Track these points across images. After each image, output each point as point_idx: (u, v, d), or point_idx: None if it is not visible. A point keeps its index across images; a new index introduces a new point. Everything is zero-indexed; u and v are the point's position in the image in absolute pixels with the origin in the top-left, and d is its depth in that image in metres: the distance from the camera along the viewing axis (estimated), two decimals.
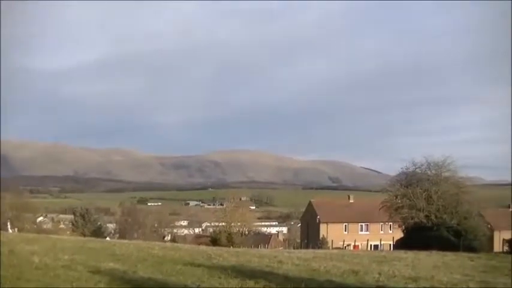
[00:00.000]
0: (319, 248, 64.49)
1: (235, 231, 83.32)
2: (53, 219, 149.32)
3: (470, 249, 43.12)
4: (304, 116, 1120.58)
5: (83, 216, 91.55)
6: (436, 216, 52.59)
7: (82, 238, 47.34)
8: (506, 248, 50.28)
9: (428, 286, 17.82)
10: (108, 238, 70.92)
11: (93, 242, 34.68)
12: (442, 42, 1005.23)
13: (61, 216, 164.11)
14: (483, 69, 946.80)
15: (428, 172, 57.44)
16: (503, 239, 55.71)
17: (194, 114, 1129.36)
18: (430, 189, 54.66)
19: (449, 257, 31.32)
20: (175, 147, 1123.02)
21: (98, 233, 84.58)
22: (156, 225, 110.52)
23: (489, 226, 63.28)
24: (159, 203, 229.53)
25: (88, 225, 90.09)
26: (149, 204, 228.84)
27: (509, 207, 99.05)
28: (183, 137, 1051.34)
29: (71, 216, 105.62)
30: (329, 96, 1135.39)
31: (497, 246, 64.36)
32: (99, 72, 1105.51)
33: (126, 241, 43.57)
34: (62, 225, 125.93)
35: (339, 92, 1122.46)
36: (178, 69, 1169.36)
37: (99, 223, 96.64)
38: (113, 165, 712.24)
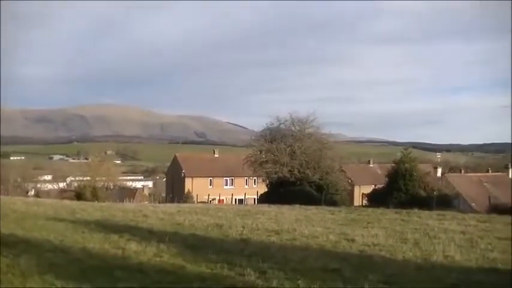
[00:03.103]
0: (184, 202, 64.62)
1: (100, 185, 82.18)
2: None
3: (332, 203, 44.22)
4: (171, 70, 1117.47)
5: None
6: (299, 171, 53.57)
7: None
8: (365, 202, 52.20)
9: (290, 238, 18.19)
10: None
11: None
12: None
13: None
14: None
15: (293, 128, 58.23)
16: (363, 193, 57.70)
17: (59, 68, 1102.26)
18: (293, 144, 55.50)
19: (311, 210, 32.02)
20: (40, 101, 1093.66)
21: None
22: (19, 180, 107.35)
23: (350, 181, 65.20)
24: (23, 157, 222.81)
25: None
26: (12, 158, 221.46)
27: (369, 163, 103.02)
28: (47, 91, 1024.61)
29: None
30: (195, 51, 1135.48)
31: (358, 201, 66.62)
32: None
33: None
34: None
35: (205, 48, 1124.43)
36: (42, 20, 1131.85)
37: None
38: None
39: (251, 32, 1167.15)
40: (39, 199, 45.54)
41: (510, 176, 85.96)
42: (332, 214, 29.47)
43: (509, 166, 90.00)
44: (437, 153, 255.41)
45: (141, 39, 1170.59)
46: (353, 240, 17.62)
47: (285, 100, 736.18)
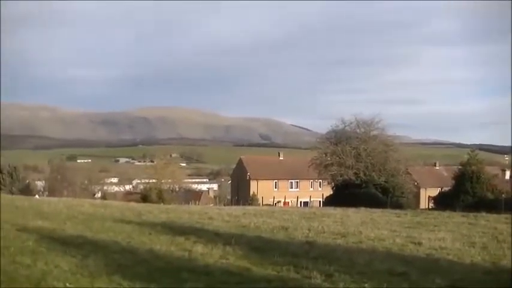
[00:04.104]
0: (249, 204, 64.89)
1: (165, 188, 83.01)
2: None
3: (398, 206, 43.96)
4: (236, 71, 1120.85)
5: (10, 174, 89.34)
6: (364, 174, 53.39)
7: (9, 196, 46.46)
8: (431, 205, 51.49)
9: (356, 241, 18.13)
10: (37, 196, 69.70)
11: (21, 200, 34.16)
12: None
13: None
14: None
15: (358, 130, 58.17)
16: (429, 196, 57.00)
17: (122, 70, 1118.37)
18: (359, 147, 55.41)
19: (376, 213, 31.83)
20: (104, 104, 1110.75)
21: (27, 191, 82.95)
22: (86, 182, 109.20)
23: (416, 183, 64.62)
24: (89, 160, 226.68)
25: (16, 183, 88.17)
26: (79, 161, 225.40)
27: (435, 165, 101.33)
28: (111, 93, 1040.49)
29: None
30: (260, 51, 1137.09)
31: (423, 203, 65.83)
32: (24, 20, 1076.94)
33: (55, 199, 42.94)
34: None
35: (269, 48, 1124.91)
36: (106, 21, 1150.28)
37: (27, 181, 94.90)
38: (40, 121, 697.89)
39: (319, 32, 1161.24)
40: (105, 201, 46.35)
41: None
42: (398, 217, 29.22)
43: None
44: (505, 155, 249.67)
45: (205, 40, 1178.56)
46: (419, 244, 17.44)
47: (350, 101, 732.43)
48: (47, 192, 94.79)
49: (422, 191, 74.06)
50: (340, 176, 54.29)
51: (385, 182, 52.42)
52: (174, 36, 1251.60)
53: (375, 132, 57.98)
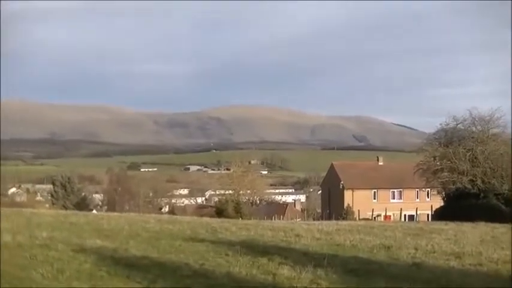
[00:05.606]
0: (343, 219, 64.73)
1: (244, 200, 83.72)
2: (27, 190, 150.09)
3: None
4: (321, 64, 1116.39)
5: (64, 186, 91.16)
6: (482, 181, 52.38)
7: (63, 212, 47.43)
8: None
9: (474, 263, 17.80)
10: (94, 211, 71.26)
11: (77, 216, 34.80)
12: None
13: (37, 186, 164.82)
14: None
15: (473, 128, 57.07)
16: None
17: (192, 65, 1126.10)
18: (475, 148, 54.37)
19: (499, 229, 31.26)
20: (171, 104, 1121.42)
21: (83, 205, 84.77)
22: (151, 194, 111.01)
23: None
24: (154, 169, 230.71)
25: (70, 196, 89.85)
26: (142, 170, 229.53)
27: None
28: (179, 92, 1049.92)
29: (50, 186, 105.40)
30: (346, 39, 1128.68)
31: None
32: (78, 13, 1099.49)
33: (115, 214, 43.74)
34: (38, 197, 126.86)
35: (358, 36, 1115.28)
36: (175, 15, 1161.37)
37: (83, 194, 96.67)
38: (96, 124, 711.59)
39: (423, 15, 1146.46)
40: (174, 216, 46.86)
41: None
42: None
43: None
44: None
45: (285, 29, 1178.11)
46: None
47: (463, 95, 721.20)
48: (105, 207, 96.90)
49: None
50: (453, 184, 53.47)
51: (508, 191, 51.37)
52: (250, 26, 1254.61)
53: (494, 131, 56.81)
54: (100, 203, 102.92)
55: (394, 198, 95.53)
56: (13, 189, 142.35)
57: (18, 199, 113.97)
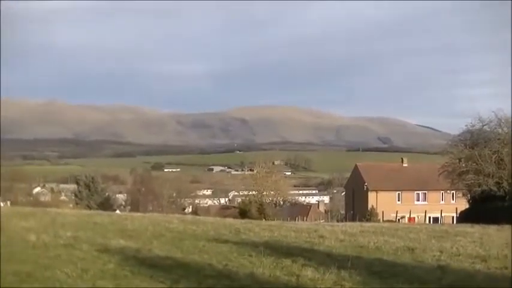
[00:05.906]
0: (367, 220, 64.52)
1: (267, 201, 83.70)
2: (52, 189, 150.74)
3: None
4: (346, 63, 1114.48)
5: (88, 186, 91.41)
6: (508, 184, 52.13)
7: (87, 211, 47.66)
8: None
9: (500, 266, 17.69)
10: (118, 211, 71.46)
11: (101, 216, 34.89)
12: None
13: (62, 186, 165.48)
14: None
15: (499, 130, 56.63)
16: None
17: (215, 65, 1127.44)
18: (501, 150, 53.97)
19: None
20: (194, 104, 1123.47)
21: (106, 205, 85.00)
22: (174, 195, 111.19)
23: None
24: (178, 169, 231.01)
25: (94, 196, 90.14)
26: (166, 170, 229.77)
27: None
28: (202, 92, 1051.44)
29: (74, 186, 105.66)
30: (368, 39, 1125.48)
31: None
32: (100, 13, 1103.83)
33: (139, 214, 43.81)
34: (63, 197, 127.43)
35: (384, 36, 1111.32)
36: (197, 14, 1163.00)
37: (107, 194, 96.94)
38: (120, 125, 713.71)
39: (448, 12, 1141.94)
40: (197, 217, 46.85)
41: None
42: None
43: None
44: None
45: (309, 28, 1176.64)
46: None
47: (491, 95, 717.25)
48: (129, 207, 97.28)
49: None
50: (478, 186, 53.16)
51: None
52: (276, 25, 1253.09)
53: None
54: (123, 203, 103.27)
55: (418, 200, 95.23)
56: (37, 189, 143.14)
57: (42, 199, 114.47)
